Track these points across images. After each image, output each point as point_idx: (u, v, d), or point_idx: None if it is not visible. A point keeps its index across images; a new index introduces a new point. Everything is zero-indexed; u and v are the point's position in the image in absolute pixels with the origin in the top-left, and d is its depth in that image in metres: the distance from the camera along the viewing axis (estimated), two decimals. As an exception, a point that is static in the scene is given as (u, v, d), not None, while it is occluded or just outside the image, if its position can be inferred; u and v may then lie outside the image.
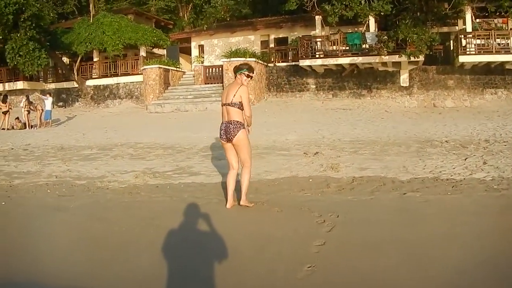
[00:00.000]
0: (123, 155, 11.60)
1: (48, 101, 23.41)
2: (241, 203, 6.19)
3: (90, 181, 8.63)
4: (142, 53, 31.00)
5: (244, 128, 6.01)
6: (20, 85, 30.73)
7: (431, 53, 21.94)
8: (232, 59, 24.76)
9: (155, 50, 33.27)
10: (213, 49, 30.68)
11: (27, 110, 23.14)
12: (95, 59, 31.73)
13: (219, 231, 5.14)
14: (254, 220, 5.72)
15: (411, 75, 23.64)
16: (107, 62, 30.93)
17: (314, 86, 25.67)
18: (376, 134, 13.00)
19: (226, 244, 4.68)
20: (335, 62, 23.73)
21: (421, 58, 21.24)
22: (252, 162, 6.34)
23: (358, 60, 23.21)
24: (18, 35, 25.74)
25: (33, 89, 30.85)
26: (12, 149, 13.72)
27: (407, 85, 23.66)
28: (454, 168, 8.01)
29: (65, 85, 31.65)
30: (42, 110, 23.39)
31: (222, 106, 6.13)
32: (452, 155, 9.33)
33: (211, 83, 27.07)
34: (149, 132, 16.50)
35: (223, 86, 25.17)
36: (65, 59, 32.74)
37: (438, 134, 12.50)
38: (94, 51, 31.21)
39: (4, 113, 22.59)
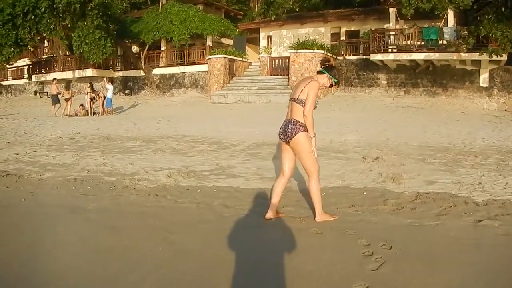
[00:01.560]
0: (165, 149, 10.83)
1: (110, 89, 23.34)
2: (317, 219, 5.29)
3: (120, 178, 7.88)
4: (209, 42, 30.72)
5: (305, 130, 5.11)
6: (89, 72, 31.47)
7: (512, 52, 19.92)
8: (299, 50, 24.06)
9: (223, 40, 32.91)
10: (281, 40, 29.91)
11: (90, 98, 23.26)
12: (162, 48, 31.84)
13: (233, 254, 4.22)
14: (282, 243, 4.66)
15: (492, 75, 21.62)
16: (174, 51, 30.87)
17: (385, 82, 24.22)
18: (449, 140, 11.53)
19: (238, 275, 3.71)
20: (409, 58, 22.14)
21: (504, 57, 19.29)
22: (318, 168, 5.32)
23: (434, 56, 21.48)
24: (85, 23, 25.89)
25: (102, 76, 31.15)
26: (60, 137, 13.34)
27: (487, 85, 21.66)
28: (544, 190, 6.59)
29: (132, 73, 32.20)
30: (105, 97, 23.39)
31: (289, 101, 5.29)
32: (541, 172, 7.85)
33: (277, 75, 26.31)
34: (204, 124, 15.77)
35: (288, 78, 24.40)
36: (134, 48, 32.98)
37: (523, 144, 10.92)
38: (161, 40, 31.32)
39: (67, 100, 22.71)
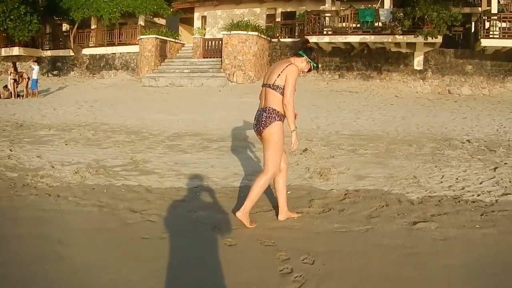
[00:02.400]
0: (79, 139, 9.71)
1: (35, 69, 21.71)
2: (238, 215, 4.57)
3: (23, 174, 6.77)
4: (141, 22, 29.18)
5: (281, 120, 4.47)
6: (16, 51, 29.44)
7: (450, 34, 19.82)
8: (233, 32, 23.11)
9: (156, 20, 31.44)
10: (216, 21, 28.85)
11: (13, 78, 21.53)
12: (92, 27, 30.14)
13: (125, 276, 3.36)
14: (187, 259, 3.82)
15: (426, 58, 21.49)
16: (104, 31, 29.26)
17: (319, 65, 23.56)
18: (383, 127, 11.00)
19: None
20: (344, 40, 21.62)
21: (439, 39, 19.16)
22: (276, 171, 4.60)
23: (370, 39, 21.05)
24: None
25: (30, 55, 29.48)
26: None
27: (421, 68, 21.53)
28: (481, 183, 6.04)
29: (61, 53, 30.39)
30: (29, 78, 21.72)
31: (262, 86, 4.63)
32: (476, 161, 7.34)
33: (210, 57, 25.23)
34: (128, 110, 14.64)
35: (221, 61, 23.41)
36: (65, 26, 31.01)
37: (458, 131, 10.50)
38: (92, 18, 29.49)
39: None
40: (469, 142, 9.03)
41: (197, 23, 29.87)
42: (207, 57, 25.35)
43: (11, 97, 21.12)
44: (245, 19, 25.06)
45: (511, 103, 17.09)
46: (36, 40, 30.08)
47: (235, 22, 23.68)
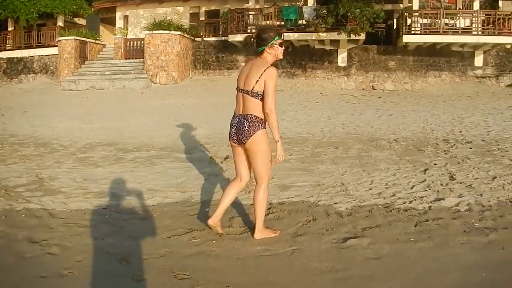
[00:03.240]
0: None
1: None
2: (256, 236, 4.27)
3: None
4: (60, 22, 27.56)
5: (265, 128, 4.11)
6: None
7: (373, 31, 19.92)
8: (155, 31, 22.24)
9: (77, 20, 29.89)
10: (138, 20, 27.90)
11: None
12: (9, 29, 28.15)
13: None
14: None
15: (350, 54, 21.54)
16: (21, 32, 27.30)
17: (244, 64, 23.12)
18: (308, 128, 10.61)
19: None
20: (268, 38, 21.24)
21: (362, 36, 19.20)
22: (269, 176, 4.29)
23: (294, 36, 20.78)
24: None
25: None
26: None
27: (345, 65, 21.56)
28: (412, 188, 5.71)
29: None
30: None
31: (237, 91, 4.17)
32: (406, 163, 7.05)
33: (132, 58, 24.20)
34: (42, 117, 13.48)
35: (144, 61, 22.47)
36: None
37: (384, 129, 10.28)
38: (9, 19, 27.50)
39: None
40: (396, 141, 8.79)
41: (119, 23, 28.80)
42: (129, 58, 24.31)
43: None
44: (168, 18, 24.24)
45: (433, 98, 17.35)
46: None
47: (157, 21, 22.82)
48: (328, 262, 3.78)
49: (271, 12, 21.49)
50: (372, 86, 20.99)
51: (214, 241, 4.28)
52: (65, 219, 5.03)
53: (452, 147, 8.17)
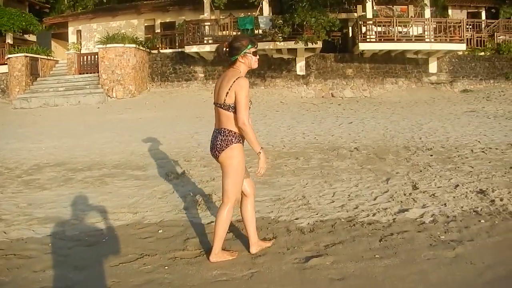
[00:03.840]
0: None
1: None
2: (212, 259, 3.98)
3: None
4: (9, 40, 26.75)
5: (239, 142, 3.83)
6: None
7: (329, 39, 20.02)
8: (108, 45, 21.87)
9: (27, 37, 29.04)
10: (92, 34, 27.43)
11: None
12: None
13: None
14: None
15: (308, 63, 21.57)
16: None
17: (202, 75, 23.04)
18: (268, 139, 10.33)
19: None
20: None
21: (319, 44, 19.25)
22: (238, 198, 3.97)
23: (250, 46, 20.67)
24: None
25: None
26: None
27: (304, 73, 21.59)
28: (375, 199, 5.50)
29: None
30: None
31: (214, 104, 3.94)
32: (367, 172, 6.86)
33: (86, 73, 23.70)
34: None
35: (99, 76, 21.95)
36: None
37: (345, 137, 10.11)
38: None
39: None
40: (357, 150, 8.61)
41: (72, 38, 28.20)
42: (83, 73, 23.81)
43: None
44: (123, 31, 23.86)
45: (391, 104, 17.43)
46: None
47: (111, 35, 22.34)
48: (290, 286, 3.52)
49: (227, 23, 21.35)
50: (331, 93, 21.03)
51: (166, 267, 3.95)
52: (5, 250, 4.59)
53: (413, 154, 8.03)
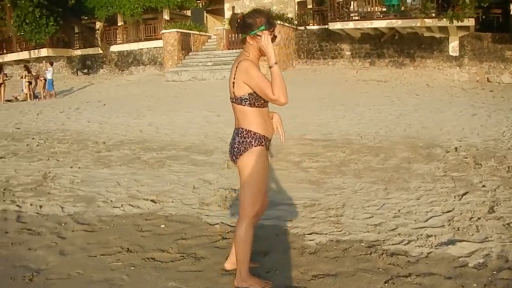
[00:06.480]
0: (17, 151, 8.55)
1: (49, 71, 21.80)
2: (237, 283, 3.19)
3: None
4: (165, 16, 28.70)
5: (260, 145, 3.09)
6: (44, 52, 29.61)
7: (483, 17, 17.62)
8: (257, 21, 21.70)
9: (185, 13, 30.88)
10: (245, 11, 27.47)
11: (28, 81, 21.66)
12: (119, 24, 30.17)
13: None
14: None
15: (462, 43, 19.30)
16: (129, 26, 29.19)
17: (349, 53, 22.13)
18: (363, 128, 9.20)
19: None
20: (370, 26, 19.85)
21: (471, 22, 17.03)
22: (255, 211, 3.17)
23: (397, 23, 19.14)
24: (23, 1, 24.27)
25: (60, 56, 29.95)
26: None
27: (457, 54, 19.39)
28: (426, 221, 4.33)
29: (90, 51, 30.43)
30: (45, 80, 21.53)
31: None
32: (446, 182, 5.53)
33: (234, 49, 23.99)
34: (121, 110, 13.56)
35: (244, 51, 22.16)
36: (98, 24, 30.67)
37: (456, 132, 8.58)
38: (118, 15, 29.37)
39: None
40: (456, 150, 7.08)
41: (227, 14, 28.89)
42: (231, 49, 24.19)
43: (28, 99, 21.17)
44: (274, 7, 23.67)
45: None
46: (66, 39, 30.36)
47: (263, 10, 22.44)
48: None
49: (373, -1, 19.98)
50: (487, 78, 18.65)
51: (132, 268, 3.58)
52: (25, 224, 4.68)
53: (522, 162, 6.47)
